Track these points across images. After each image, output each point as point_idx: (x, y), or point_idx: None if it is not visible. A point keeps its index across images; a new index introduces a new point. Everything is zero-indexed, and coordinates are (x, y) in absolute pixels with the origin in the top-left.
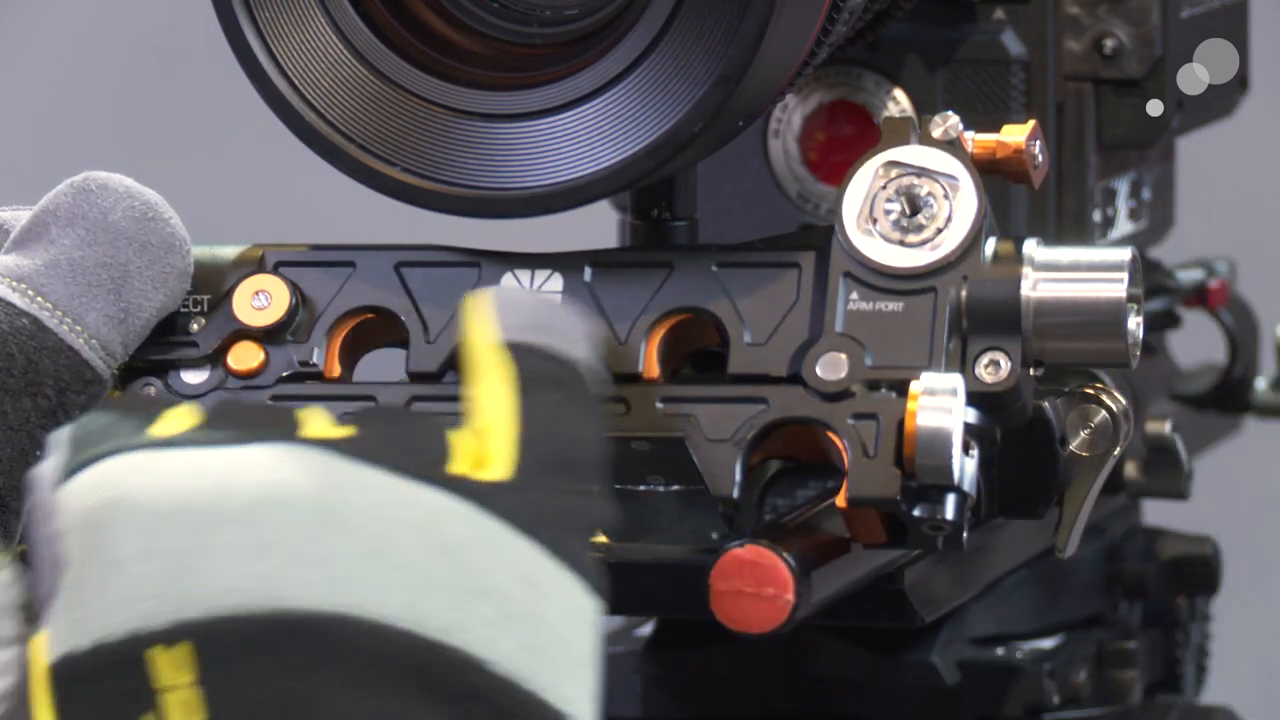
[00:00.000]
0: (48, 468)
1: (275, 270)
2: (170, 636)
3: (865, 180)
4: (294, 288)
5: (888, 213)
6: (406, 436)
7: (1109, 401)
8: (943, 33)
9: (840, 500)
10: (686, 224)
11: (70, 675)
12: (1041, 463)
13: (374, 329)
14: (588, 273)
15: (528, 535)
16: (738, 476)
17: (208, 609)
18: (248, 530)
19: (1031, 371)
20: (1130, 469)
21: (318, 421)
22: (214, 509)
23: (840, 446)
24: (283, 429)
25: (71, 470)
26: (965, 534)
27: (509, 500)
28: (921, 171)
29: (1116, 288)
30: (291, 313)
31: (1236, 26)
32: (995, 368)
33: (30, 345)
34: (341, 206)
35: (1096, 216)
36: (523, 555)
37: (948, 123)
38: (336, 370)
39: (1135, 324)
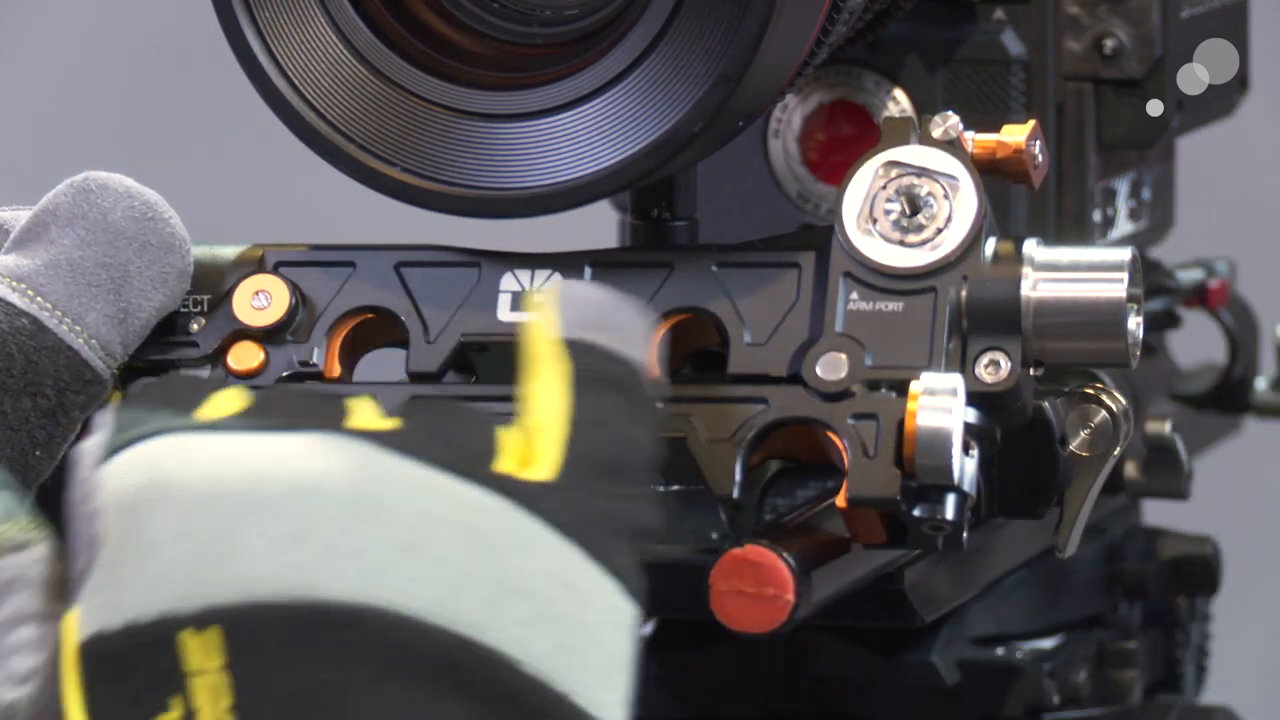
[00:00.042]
0: (91, 445)
1: (275, 270)
2: (201, 620)
3: (865, 180)
4: (294, 288)
5: (888, 213)
6: (453, 432)
7: (1109, 401)
8: (943, 33)
9: (840, 500)
10: (686, 224)
11: (99, 654)
12: (1041, 463)
13: (374, 329)
14: (588, 273)
15: (568, 537)
16: (738, 476)
17: (239, 595)
18: (283, 518)
19: (1031, 371)
20: (1130, 469)
21: (365, 412)
22: (251, 495)
23: (840, 446)
24: (329, 418)
25: (114, 449)
26: (965, 534)
27: (551, 501)
28: (921, 171)
29: (1116, 288)
30: (291, 313)
31: (1236, 26)
32: (995, 368)
33: (30, 345)
34: (341, 206)
35: (1096, 216)
36: (562, 557)
37: (948, 123)
38: (336, 370)
39: (1135, 324)
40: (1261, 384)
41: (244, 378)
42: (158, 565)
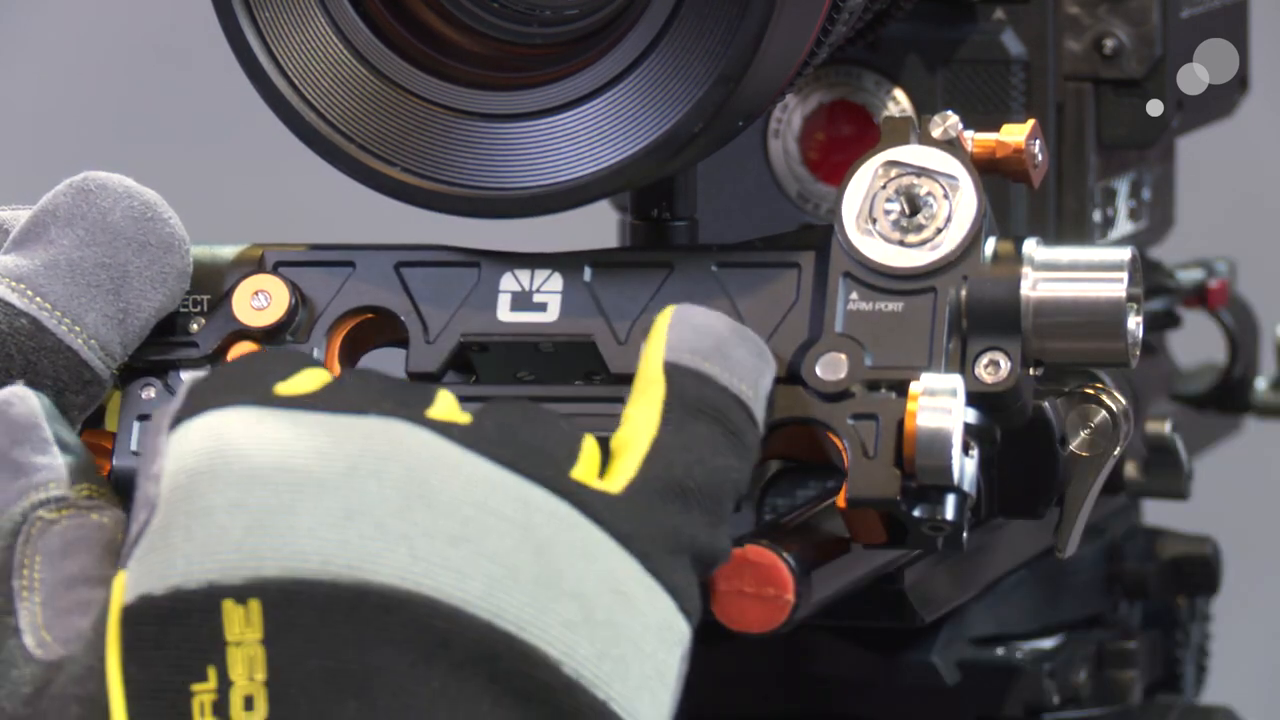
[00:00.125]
0: (165, 411)
1: (275, 270)
2: (243, 592)
3: (865, 180)
4: (294, 288)
5: (887, 212)
6: (528, 434)
7: (1109, 401)
8: (943, 33)
9: (840, 500)
10: (686, 224)
11: (143, 617)
12: (1041, 463)
13: (374, 329)
14: (588, 273)
15: (626, 547)
16: None
17: (284, 569)
18: (337, 497)
19: (1031, 371)
20: (1130, 469)
21: (443, 405)
22: (309, 472)
23: (840, 447)
24: (406, 406)
25: (184, 416)
26: (965, 534)
27: (614, 511)
28: (921, 171)
29: (1116, 288)
30: (291, 313)
31: (1236, 26)
32: (995, 368)
33: (29, 346)
34: (341, 206)
35: (1096, 216)
36: (617, 565)
37: (947, 122)
38: (336, 370)
39: (1135, 324)
40: (1261, 384)
41: None
42: (209, 533)
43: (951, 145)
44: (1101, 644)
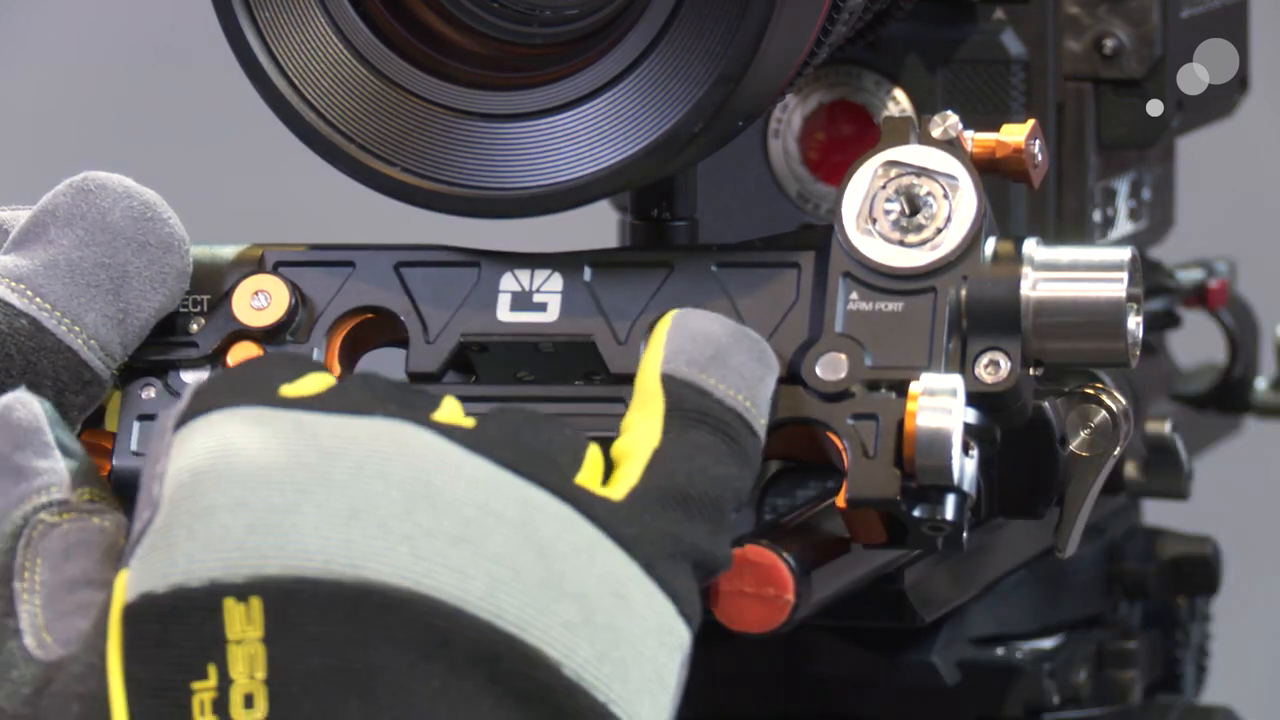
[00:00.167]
0: (170, 411)
1: (275, 270)
2: (245, 590)
3: (865, 180)
4: (294, 288)
5: (887, 212)
6: (531, 439)
7: (1109, 401)
8: (943, 33)
9: (840, 500)
10: (686, 224)
11: (144, 616)
12: (1041, 463)
13: (374, 329)
14: (588, 273)
15: (627, 550)
16: None
17: (286, 567)
18: (341, 497)
19: (1031, 371)
20: (1130, 469)
21: (448, 409)
22: (312, 472)
23: (840, 447)
24: (411, 409)
25: (188, 416)
26: (965, 534)
27: (615, 515)
28: (921, 171)
29: (1116, 288)
30: (291, 313)
31: (1236, 26)
32: (995, 368)
33: (29, 346)
34: (341, 206)
35: (1096, 216)
36: (618, 568)
37: (947, 122)
38: (336, 370)
39: (1135, 324)
40: (1261, 384)
41: None
42: (212, 532)
43: (951, 145)
44: (1101, 644)
